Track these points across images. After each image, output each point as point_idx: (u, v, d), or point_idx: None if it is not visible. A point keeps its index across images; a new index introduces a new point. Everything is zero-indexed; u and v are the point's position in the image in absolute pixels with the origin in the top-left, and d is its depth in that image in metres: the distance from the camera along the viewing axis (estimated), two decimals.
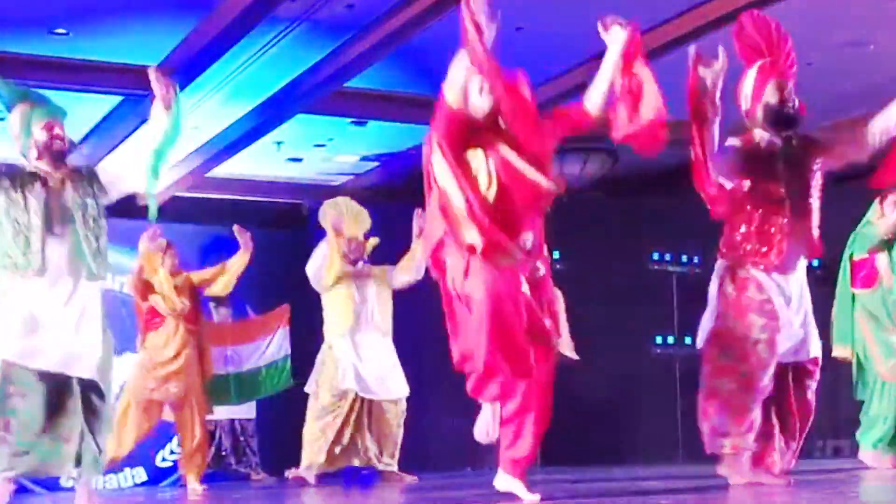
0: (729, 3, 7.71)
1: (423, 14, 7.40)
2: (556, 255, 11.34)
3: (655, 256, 12.31)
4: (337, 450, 7.92)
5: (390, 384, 8.01)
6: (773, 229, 4.86)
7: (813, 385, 5.13)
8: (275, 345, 9.49)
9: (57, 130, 5.08)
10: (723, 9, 7.76)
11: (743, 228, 4.92)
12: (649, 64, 4.59)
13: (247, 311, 10.10)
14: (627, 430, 11.85)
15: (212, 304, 9.76)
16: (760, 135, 4.97)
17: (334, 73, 8.45)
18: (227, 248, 10.14)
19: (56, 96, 8.09)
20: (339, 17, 7.70)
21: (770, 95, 4.99)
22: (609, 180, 11.61)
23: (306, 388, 8.29)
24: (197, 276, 8.42)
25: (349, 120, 9.86)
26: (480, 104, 4.42)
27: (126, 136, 9.58)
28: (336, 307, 8.08)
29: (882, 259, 7.20)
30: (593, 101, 4.57)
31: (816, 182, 5.02)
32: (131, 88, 8.64)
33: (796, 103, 5.02)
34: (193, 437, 8.13)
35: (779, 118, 4.94)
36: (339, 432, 7.91)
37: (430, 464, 9.87)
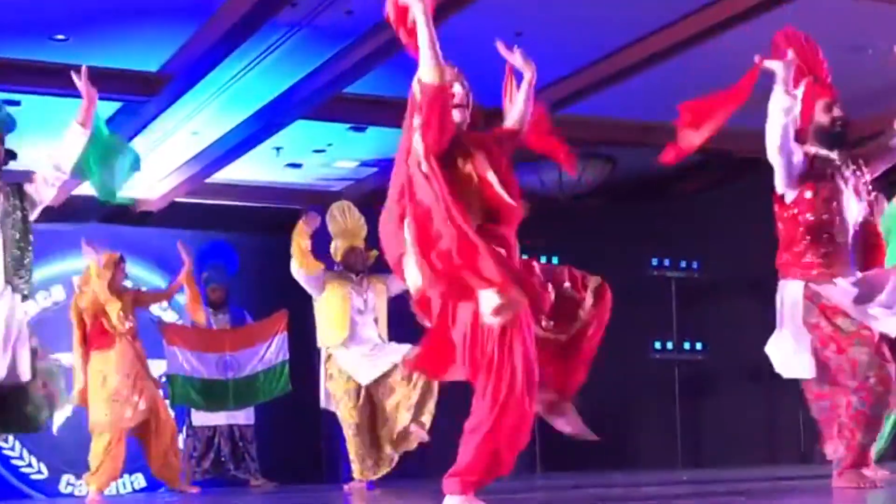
0: (726, 8, 7.75)
1: None
2: (555, 260, 11.36)
3: (655, 262, 12.32)
4: (379, 454, 7.85)
5: (382, 357, 7.90)
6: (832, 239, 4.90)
7: None
8: (273, 350, 9.49)
9: None
10: (721, 14, 7.80)
11: (807, 239, 4.94)
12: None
13: (245, 318, 10.10)
14: (627, 434, 11.86)
15: (210, 311, 9.76)
16: (815, 150, 5.00)
17: (333, 78, 8.46)
18: (225, 253, 10.17)
19: (55, 102, 8.21)
20: (338, 23, 7.71)
21: (820, 115, 5.03)
22: (608, 186, 11.62)
23: (322, 405, 8.23)
24: (144, 295, 8.62)
25: (348, 125, 9.86)
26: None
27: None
28: (333, 315, 8.00)
29: None
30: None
31: (867, 191, 5.07)
32: (130, 94, 8.66)
33: (845, 119, 5.06)
34: (163, 443, 8.18)
35: (832, 137, 4.98)
36: (372, 439, 7.85)
37: (431, 469, 9.85)
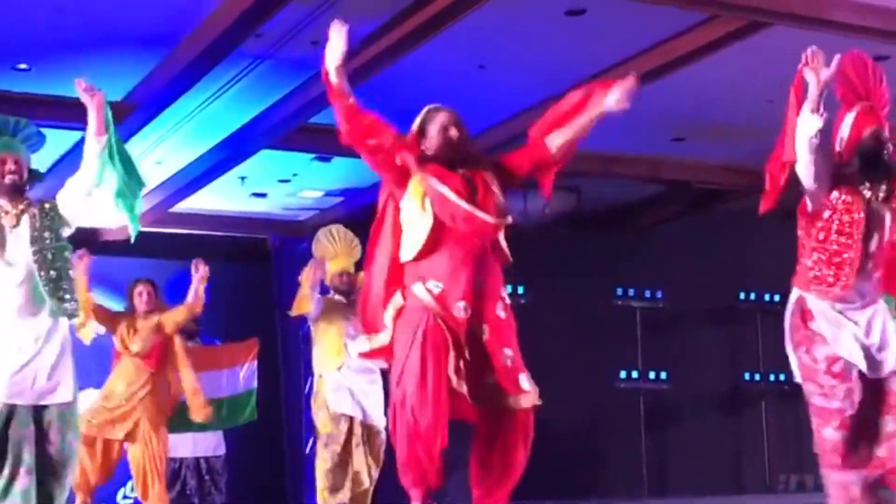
0: (688, 41, 7.83)
1: (386, 52, 7.45)
2: (520, 289, 11.39)
3: (619, 291, 12.37)
4: (345, 482, 7.78)
5: (376, 412, 7.90)
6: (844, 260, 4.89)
7: None
8: (241, 378, 9.39)
9: (9, 165, 4.99)
10: (684, 47, 7.88)
11: (815, 256, 4.93)
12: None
13: (213, 342, 9.99)
14: (592, 464, 11.86)
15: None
16: (858, 178, 4.99)
17: (299, 108, 8.48)
18: (190, 280, 10.09)
19: None
20: (303, 54, 7.73)
21: (868, 142, 5.01)
22: (573, 216, 11.68)
23: (315, 420, 8.18)
24: (167, 319, 8.24)
25: (313, 155, 9.88)
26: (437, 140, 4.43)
27: None
28: (327, 342, 7.95)
29: None
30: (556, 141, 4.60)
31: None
32: None
33: (891, 150, 5.05)
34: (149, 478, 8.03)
35: (875, 165, 4.97)
36: (343, 461, 7.79)
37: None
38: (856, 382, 4.79)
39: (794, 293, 5.01)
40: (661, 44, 7.90)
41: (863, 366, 4.82)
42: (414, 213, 4.30)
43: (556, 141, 4.54)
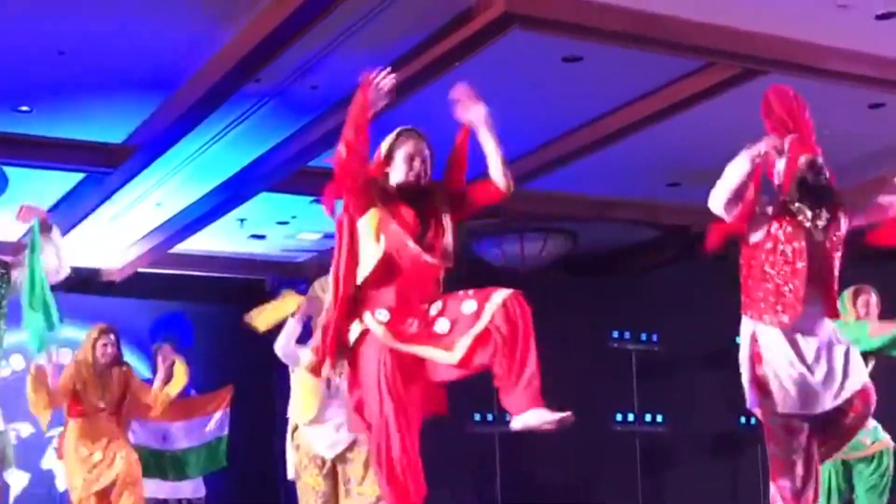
0: (683, 88, 7.90)
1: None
2: None
3: (615, 334, 12.40)
4: None
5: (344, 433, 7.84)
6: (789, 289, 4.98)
7: None
8: (213, 424, 9.36)
9: None
10: (679, 94, 7.95)
11: (765, 287, 5.03)
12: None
13: (188, 392, 9.94)
14: None
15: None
16: (797, 207, 5.07)
17: (298, 152, 8.53)
18: (179, 325, 10.08)
19: (19, 172, 8.23)
20: (303, 98, 7.80)
21: (804, 170, 5.09)
22: (569, 259, 11.73)
23: (290, 477, 8.13)
24: (142, 394, 8.18)
25: (312, 198, 9.93)
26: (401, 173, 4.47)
27: (88, 213, 9.62)
28: (302, 393, 7.89)
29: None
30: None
31: (839, 247, 5.13)
32: (94, 166, 8.69)
33: (828, 175, 5.14)
34: None
35: (814, 192, 5.05)
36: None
37: None
38: (801, 426, 4.99)
39: (746, 324, 5.18)
40: (656, 91, 7.98)
41: (798, 409, 4.99)
42: (367, 240, 4.34)
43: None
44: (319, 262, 11.47)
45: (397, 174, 4.43)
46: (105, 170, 8.81)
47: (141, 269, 11.36)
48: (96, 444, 7.88)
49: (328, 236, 11.17)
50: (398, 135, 4.52)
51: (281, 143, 8.56)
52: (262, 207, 10.06)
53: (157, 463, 8.89)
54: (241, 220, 10.48)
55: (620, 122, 8.35)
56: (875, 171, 8.51)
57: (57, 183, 9.15)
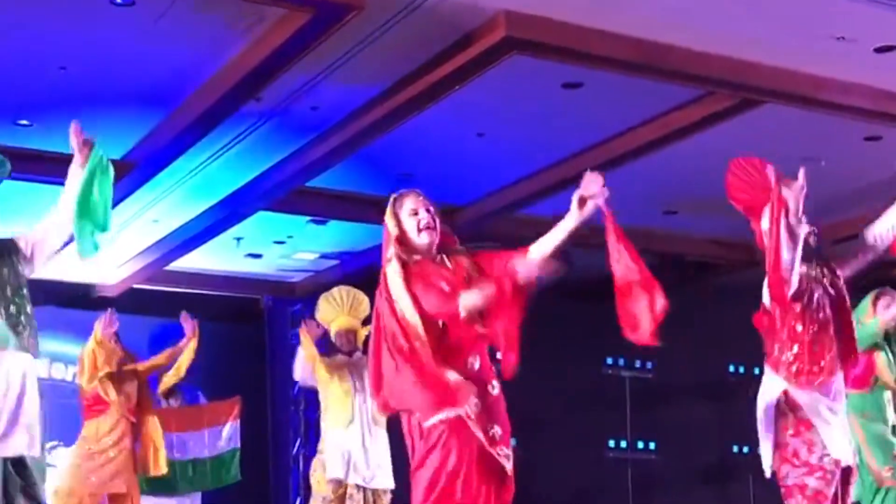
0: (683, 117, 7.93)
1: (384, 118, 7.54)
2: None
3: (609, 361, 12.39)
4: None
5: (380, 473, 7.86)
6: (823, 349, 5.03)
7: None
8: (224, 437, 9.32)
9: None
10: (679, 122, 7.98)
11: (795, 349, 5.05)
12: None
13: (198, 398, 9.94)
14: None
15: (160, 394, 9.62)
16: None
17: (296, 172, 8.55)
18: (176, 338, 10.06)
19: (17, 186, 8.23)
20: (302, 118, 7.82)
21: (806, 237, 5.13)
22: (563, 285, 11.71)
23: (311, 479, 8.13)
24: (144, 365, 8.22)
25: (309, 218, 9.94)
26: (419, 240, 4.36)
27: None
28: (335, 401, 7.91)
29: (881, 358, 7.14)
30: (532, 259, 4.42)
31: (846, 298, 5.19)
32: None
33: (815, 231, 5.19)
34: None
35: (808, 251, 5.08)
36: None
37: None
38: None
39: (777, 383, 5.07)
40: (654, 118, 8.01)
41: (850, 461, 4.98)
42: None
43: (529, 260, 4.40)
44: (315, 282, 11.48)
45: (413, 238, 4.27)
46: None
47: (136, 286, 11.35)
48: None
49: (324, 256, 11.18)
50: (393, 203, 4.35)
51: (279, 162, 8.58)
52: (259, 226, 10.07)
53: (166, 476, 8.71)
54: (238, 239, 10.48)
55: (619, 148, 8.38)
56: (870, 205, 8.53)
57: (55, 197, 9.12)
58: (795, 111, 7.53)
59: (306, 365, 7.87)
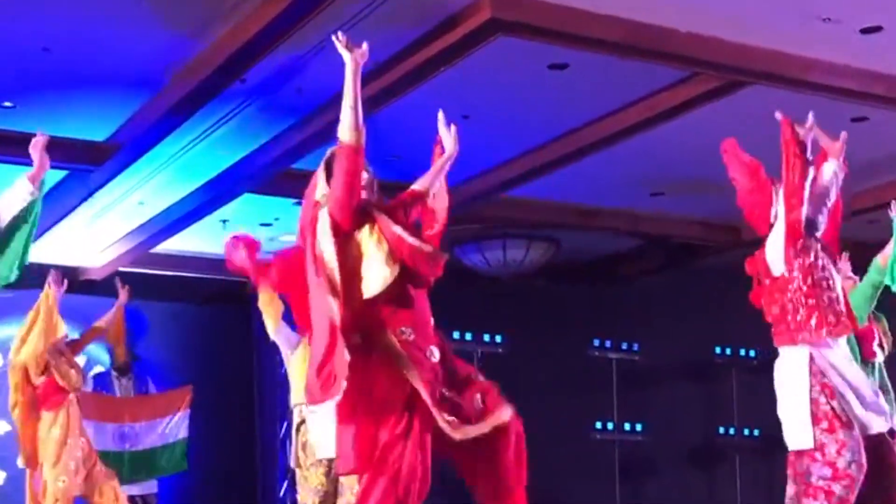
0: (668, 98, 7.92)
1: (370, 100, 7.49)
2: (498, 339, 11.43)
3: (596, 343, 12.41)
4: None
5: None
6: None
7: None
8: (174, 426, 9.29)
9: None
10: (663, 104, 7.97)
11: (810, 301, 4.97)
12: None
13: (147, 383, 9.83)
14: None
15: (114, 374, 9.55)
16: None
17: (281, 154, 8.52)
18: (170, 322, 10.05)
19: (2, 168, 8.19)
20: (288, 100, 7.79)
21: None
22: (551, 267, 11.73)
23: (290, 464, 8.09)
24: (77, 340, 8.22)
25: (295, 200, 9.91)
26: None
27: (70, 211, 9.57)
28: (301, 374, 7.84)
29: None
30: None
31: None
32: (77, 163, 8.65)
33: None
34: None
35: (812, 227, 5.07)
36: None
37: None
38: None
39: (800, 351, 4.92)
40: (641, 100, 8.00)
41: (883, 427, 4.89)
42: (374, 256, 4.23)
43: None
44: None
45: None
46: (88, 167, 8.78)
47: (122, 269, 11.30)
48: None
49: None
50: None
51: (265, 144, 8.55)
52: (245, 209, 10.04)
53: (117, 465, 8.69)
54: (224, 221, 10.45)
55: (605, 130, 8.37)
56: (856, 186, 8.56)
57: None
58: (782, 92, 7.51)
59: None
